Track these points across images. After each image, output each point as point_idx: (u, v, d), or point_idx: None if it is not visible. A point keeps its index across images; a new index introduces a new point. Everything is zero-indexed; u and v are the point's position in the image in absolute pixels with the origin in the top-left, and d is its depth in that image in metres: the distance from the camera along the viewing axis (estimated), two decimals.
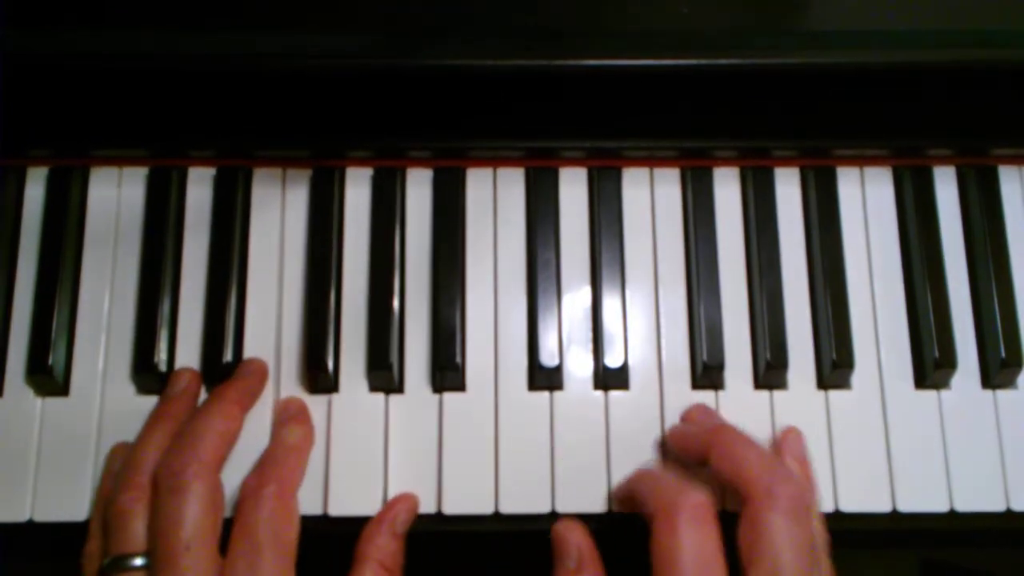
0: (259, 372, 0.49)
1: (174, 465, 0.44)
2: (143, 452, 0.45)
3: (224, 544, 0.44)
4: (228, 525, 0.44)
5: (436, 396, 0.50)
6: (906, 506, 0.49)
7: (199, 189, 0.53)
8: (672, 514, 0.41)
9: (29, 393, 0.50)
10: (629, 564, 0.44)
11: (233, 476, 0.46)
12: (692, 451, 0.46)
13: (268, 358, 0.50)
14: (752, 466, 0.42)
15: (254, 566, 0.42)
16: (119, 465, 0.47)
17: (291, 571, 0.44)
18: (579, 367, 0.51)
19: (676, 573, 0.40)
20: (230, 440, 0.46)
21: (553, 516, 0.48)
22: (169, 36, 0.47)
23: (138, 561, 0.43)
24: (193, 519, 0.42)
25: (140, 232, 0.52)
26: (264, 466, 0.46)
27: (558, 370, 0.50)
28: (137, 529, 0.43)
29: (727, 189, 0.53)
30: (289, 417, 0.49)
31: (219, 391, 0.48)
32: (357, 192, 0.53)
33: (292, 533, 0.44)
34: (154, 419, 0.48)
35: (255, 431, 0.49)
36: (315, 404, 0.49)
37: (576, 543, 0.45)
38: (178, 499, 0.43)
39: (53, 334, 0.49)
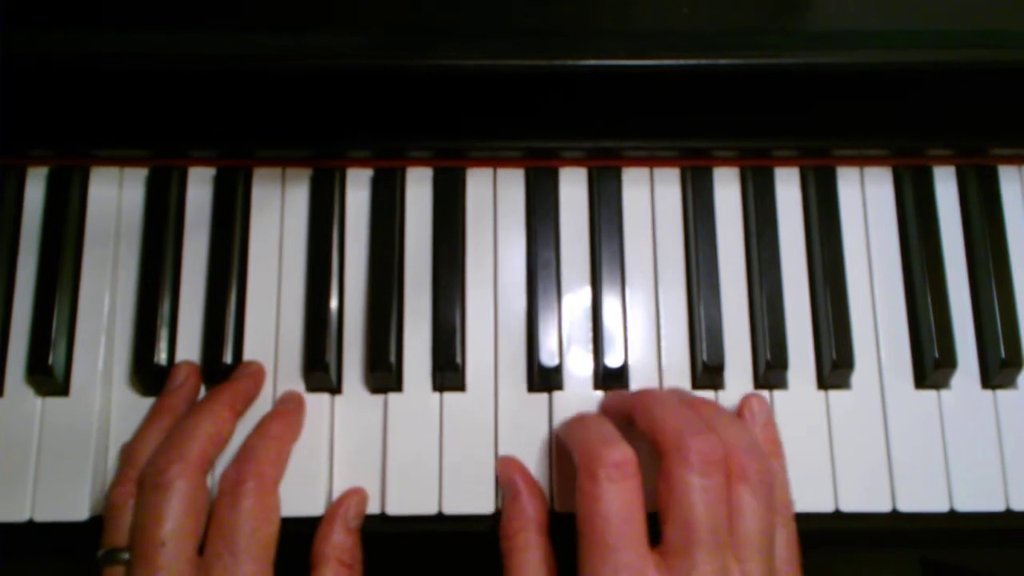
0: (255, 375, 0.49)
1: (159, 463, 0.44)
2: (139, 447, 0.46)
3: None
4: None
5: (436, 396, 0.50)
6: (906, 506, 0.49)
7: (199, 189, 0.53)
8: (595, 467, 0.41)
9: (29, 393, 0.50)
10: None
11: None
12: (620, 412, 0.47)
13: (268, 358, 0.50)
14: (666, 421, 0.43)
15: (230, 566, 0.42)
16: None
17: (269, 570, 0.43)
18: (579, 367, 0.51)
19: (597, 525, 0.40)
20: (219, 442, 0.46)
21: (552, 515, 0.48)
22: (169, 36, 0.47)
23: (126, 555, 0.43)
24: (172, 517, 0.42)
25: (140, 232, 0.52)
26: (242, 460, 0.45)
27: (558, 370, 0.50)
28: (126, 523, 0.43)
29: (727, 189, 0.53)
30: (277, 409, 0.48)
31: (213, 393, 0.48)
32: (357, 192, 0.53)
33: (271, 530, 0.44)
34: (152, 414, 0.48)
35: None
36: (315, 404, 0.49)
37: (509, 475, 0.47)
38: (158, 496, 0.43)
39: (53, 334, 0.49)
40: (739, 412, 0.49)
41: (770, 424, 0.48)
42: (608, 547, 0.40)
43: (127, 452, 0.46)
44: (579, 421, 0.47)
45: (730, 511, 0.41)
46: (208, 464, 0.45)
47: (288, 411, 0.48)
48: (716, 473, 0.41)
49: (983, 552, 0.56)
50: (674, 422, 0.42)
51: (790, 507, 0.45)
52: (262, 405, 0.49)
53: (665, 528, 0.41)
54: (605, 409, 0.49)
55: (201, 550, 0.43)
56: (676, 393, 0.48)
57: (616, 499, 0.41)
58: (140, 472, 0.44)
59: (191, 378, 0.49)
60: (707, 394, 0.50)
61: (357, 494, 0.48)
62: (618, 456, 0.41)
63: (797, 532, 0.44)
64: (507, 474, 0.48)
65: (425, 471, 0.49)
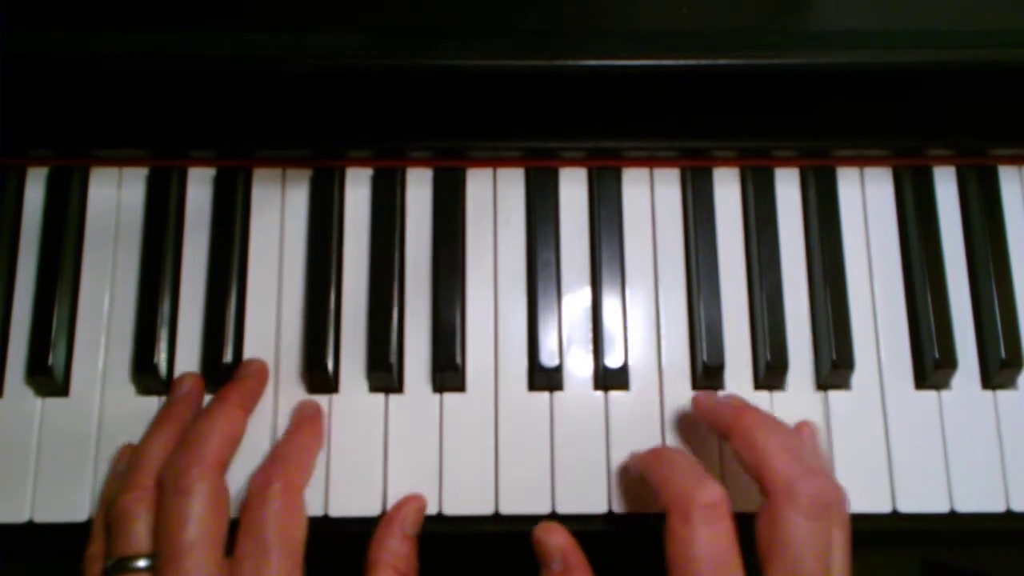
0: (260, 373, 0.50)
1: (178, 466, 0.44)
2: (146, 454, 0.45)
3: (230, 545, 0.44)
4: (234, 527, 0.44)
5: (436, 396, 0.50)
6: (906, 506, 0.49)
7: (199, 189, 0.53)
8: (688, 508, 0.40)
9: (29, 393, 0.50)
10: (631, 564, 0.45)
11: (237, 478, 0.46)
12: (715, 427, 0.46)
13: (268, 358, 0.50)
14: (774, 459, 0.42)
15: (260, 566, 0.42)
16: (123, 466, 0.47)
17: (298, 571, 0.43)
18: (579, 367, 0.51)
19: (691, 570, 0.39)
20: (234, 441, 0.46)
21: (553, 517, 0.48)
22: (169, 36, 0.47)
23: (141, 563, 0.42)
24: (197, 520, 0.42)
25: (140, 232, 0.52)
26: (271, 463, 0.46)
27: (558, 370, 0.50)
28: (140, 530, 0.43)
29: (727, 189, 0.53)
30: (302, 417, 0.49)
31: (222, 394, 0.48)
32: (357, 192, 0.53)
33: (299, 532, 0.44)
34: (158, 422, 0.48)
35: (257, 432, 0.49)
36: None
37: (557, 545, 0.44)
38: (182, 500, 0.43)
39: (53, 334, 0.49)
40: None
41: (819, 452, 0.48)
42: None
43: (135, 459, 0.46)
44: (664, 458, 0.45)
45: (829, 554, 0.40)
46: (226, 464, 0.45)
47: (313, 422, 0.48)
48: (824, 517, 0.40)
49: (983, 552, 0.56)
50: (782, 461, 0.41)
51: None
52: (263, 405, 0.49)
53: (769, 568, 0.40)
54: (696, 411, 0.48)
55: (228, 551, 0.43)
56: (760, 414, 0.46)
57: (711, 542, 0.40)
58: (157, 477, 0.44)
59: (196, 388, 0.49)
60: None
61: (416, 501, 0.48)
62: (712, 497, 0.40)
63: None
64: (548, 543, 0.45)
65: (425, 472, 0.49)
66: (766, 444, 0.42)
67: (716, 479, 0.42)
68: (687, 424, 0.50)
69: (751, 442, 0.43)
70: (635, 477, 0.47)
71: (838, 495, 0.41)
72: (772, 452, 0.42)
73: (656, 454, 0.46)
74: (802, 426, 0.49)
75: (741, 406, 0.46)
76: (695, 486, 0.41)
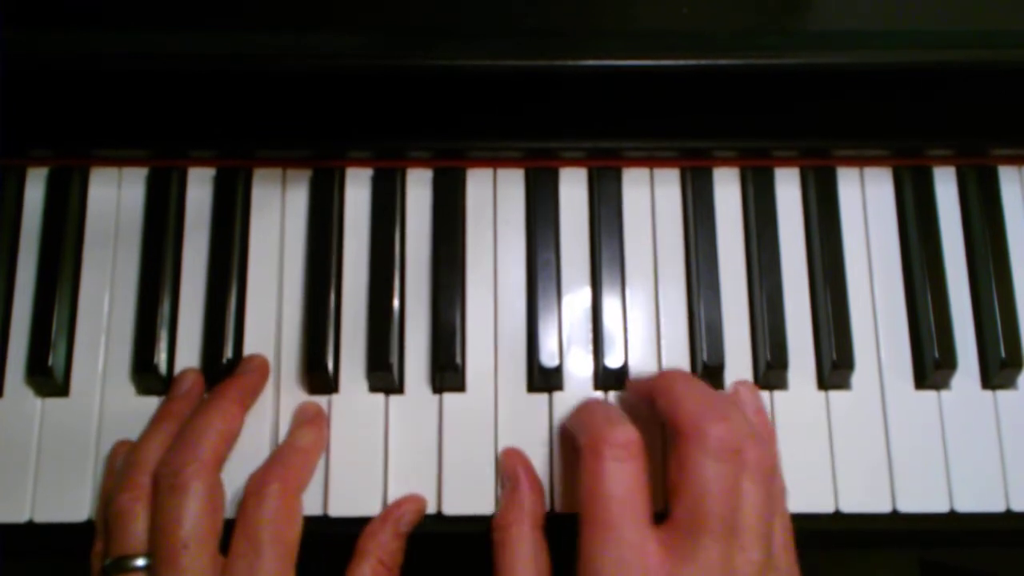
0: (260, 368, 0.49)
1: (173, 464, 0.44)
2: (144, 451, 0.45)
3: (226, 543, 0.44)
4: (230, 526, 0.44)
5: (436, 396, 0.50)
6: (906, 506, 0.49)
7: (199, 189, 0.53)
8: (600, 446, 0.41)
9: (29, 393, 0.50)
10: None
11: (234, 475, 0.46)
12: (641, 392, 0.47)
13: (268, 358, 0.50)
14: (687, 403, 0.42)
15: (254, 566, 0.42)
16: (120, 463, 0.47)
17: (291, 572, 0.43)
18: (579, 367, 0.51)
19: (599, 503, 0.40)
20: (230, 439, 0.46)
21: (552, 516, 0.48)
22: (169, 36, 0.47)
23: (139, 562, 0.43)
24: (192, 518, 0.42)
25: (140, 232, 0.52)
26: (271, 464, 0.46)
27: (558, 370, 0.50)
28: (137, 529, 0.43)
29: (727, 189, 0.53)
30: (303, 420, 0.49)
31: (219, 389, 0.48)
32: (357, 192, 0.53)
33: (294, 533, 0.44)
34: (157, 419, 0.48)
35: (257, 430, 0.49)
36: None
37: (512, 466, 0.47)
38: (177, 498, 0.43)
39: (53, 334, 0.49)
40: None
41: (761, 411, 0.48)
42: (609, 525, 0.40)
43: (132, 457, 0.46)
44: (583, 405, 0.47)
45: (736, 499, 0.41)
46: (222, 462, 0.45)
47: (315, 424, 0.49)
48: (731, 461, 0.41)
49: (983, 552, 0.56)
50: (695, 405, 0.42)
51: (785, 493, 0.45)
52: (262, 405, 0.49)
53: (674, 508, 0.41)
54: (628, 391, 0.49)
55: (223, 550, 0.43)
56: (682, 372, 0.48)
57: (620, 478, 0.41)
58: (153, 475, 0.44)
59: (196, 385, 0.49)
60: None
61: (416, 502, 0.48)
62: (623, 436, 0.42)
63: (791, 520, 0.45)
64: (511, 465, 0.48)
65: (425, 472, 0.49)
66: (685, 388, 0.43)
67: (632, 424, 0.43)
68: None
69: (668, 391, 0.44)
70: (562, 431, 0.49)
71: (752, 446, 0.41)
72: (688, 394, 0.43)
73: (580, 404, 0.48)
74: (738, 385, 0.49)
75: (665, 371, 0.48)
76: (608, 427, 0.42)
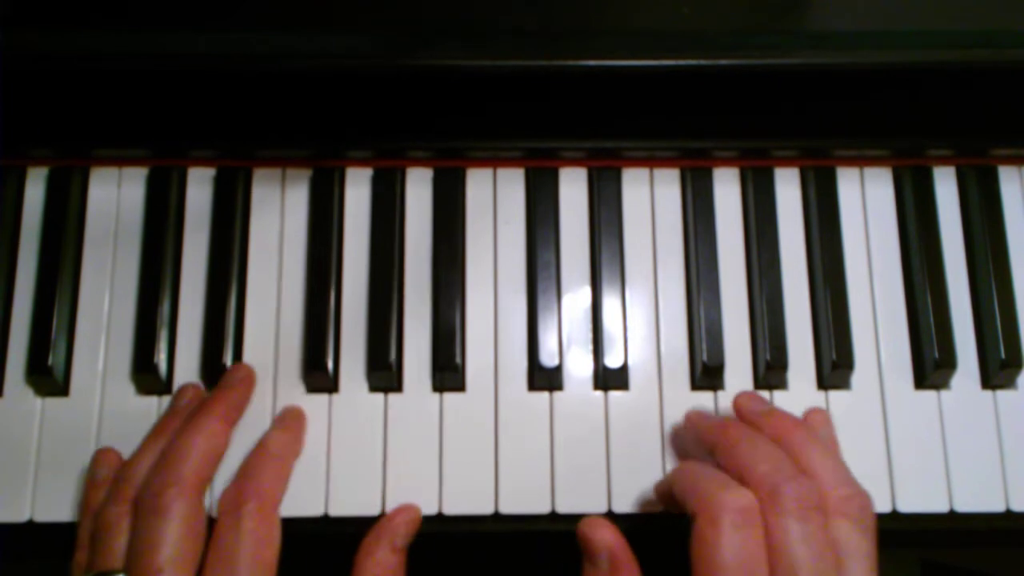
0: (245, 381, 0.49)
1: (154, 485, 0.43)
2: (137, 466, 0.45)
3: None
4: None
5: (436, 396, 0.50)
6: (906, 506, 0.49)
7: (199, 189, 0.53)
8: (717, 513, 0.39)
9: (29, 393, 0.50)
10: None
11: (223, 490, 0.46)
12: (703, 444, 0.46)
13: (268, 358, 0.50)
14: (756, 466, 0.41)
15: None
16: (103, 472, 0.46)
17: None
18: (579, 367, 0.51)
19: (716, 574, 0.38)
20: (214, 458, 0.45)
21: (553, 516, 0.48)
22: (169, 36, 0.47)
23: None
24: (170, 542, 0.41)
25: (140, 232, 0.52)
26: (243, 479, 0.45)
27: (558, 370, 0.50)
28: (120, 545, 0.42)
29: (727, 189, 0.53)
30: (280, 423, 0.48)
31: (204, 406, 0.46)
32: (357, 192, 0.53)
33: (272, 552, 0.43)
34: (153, 434, 0.47)
35: (256, 436, 0.48)
36: (315, 404, 0.49)
37: (604, 542, 0.43)
38: (155, 520, 0.42)
39: (53, 334, 0.49)
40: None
41: (834, 442, 0.47)
42: None
43: (124, 472, 0.45)
44: (690, 468, 0.44)
45: (836, 551, 0.39)
46: (205, 483, 0.45)
47: (288, 427, 0.48)
48: (816, 517, 0.39)
49: (983, 552, 0.56)
50: (764, 466, 0.41)
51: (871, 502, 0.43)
52: (262, 406, 0.49)
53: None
54: (687, 432, 0.48)
55: (200, 572, 0.42)
56: (740, 426, 0.46)
57: (739, 547, 0.38)
58: (135, 494, 0.43)
59: (195, 401, 0.48)
60: (707, 395, 0.50)
61: (408, 512, 0.47)
62: (743, 502, 0.39)
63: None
64: (594, 538, 0.43)
65: (425, 472, 0.49)
66: (749, 449, 0.42)
67: (748, 489, 0.40)
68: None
69: (732, 448, 0.43)
70: (663, 496, 0.47)
71: (823, 489, 0.40)
72: (754, 455, 0.42)
73: (681, 468, 0.45)
74: (812, 413, 0.48)
75: (726, 422, 0.46)
76: (724, 491, 0.40)
